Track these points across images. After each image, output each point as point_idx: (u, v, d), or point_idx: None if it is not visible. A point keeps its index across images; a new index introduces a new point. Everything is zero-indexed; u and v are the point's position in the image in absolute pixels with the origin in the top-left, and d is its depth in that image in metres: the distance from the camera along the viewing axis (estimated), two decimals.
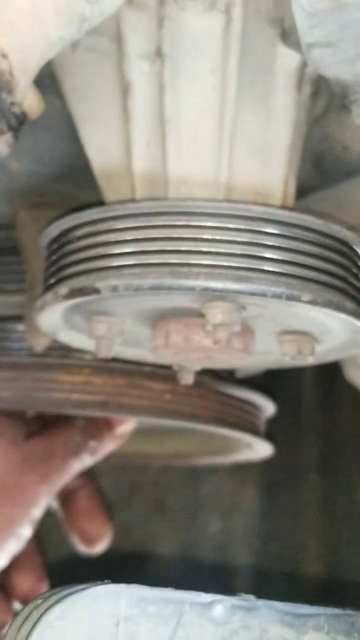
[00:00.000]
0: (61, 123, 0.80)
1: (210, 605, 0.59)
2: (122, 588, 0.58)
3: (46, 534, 1.26)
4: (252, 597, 0.61)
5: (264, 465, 1.21)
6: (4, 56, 0.61)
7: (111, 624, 0.58)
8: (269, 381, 1.07)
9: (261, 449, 1.08)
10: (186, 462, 1.20)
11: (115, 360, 0.89)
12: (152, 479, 1.34)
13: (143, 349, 0.83)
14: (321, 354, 0.80)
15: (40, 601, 0.58)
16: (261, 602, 0.60)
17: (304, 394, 1.31)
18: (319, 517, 1.29)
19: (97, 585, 0.59)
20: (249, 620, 0.59)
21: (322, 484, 1.29)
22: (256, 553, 1.31)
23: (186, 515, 1.35)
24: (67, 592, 0.58)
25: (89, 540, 1.10)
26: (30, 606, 0.58)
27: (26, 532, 1.01)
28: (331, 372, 1.20)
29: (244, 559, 1.31)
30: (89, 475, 1.08)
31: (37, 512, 1.01)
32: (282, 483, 1.31)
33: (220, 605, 0.59)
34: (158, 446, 1.18)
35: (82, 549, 1.11)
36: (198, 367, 0.83)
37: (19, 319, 0.92)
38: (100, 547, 1.11)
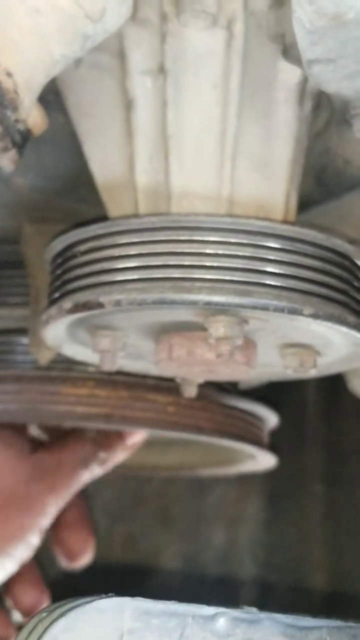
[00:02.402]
0: (64, 138, 0.80)
1: (213, 617, 0.60)
2: (125, 601, 0.59)
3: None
4: (254, 609, 0.61)
5: (268, 476, 1.22)
6: (9, 74, 0.61)
7: (115, 636, 0.58)
8: (272, 392, 1.08)
9: (264, 460, 1.08)
10: (190, 473, 1.20)
11: (118, 372, 0.90)
12: (156, 489, 1.34)
13: (146, 362, 0.83)
14: (323, 366, 0.80)
15: (44, 614, 0.59)
16: (263, 615, 0.60)
17: (308, 404, 1.31)
18: (323, 527, 1.29)
19: (101, 598, 0.59)
20: (252, 632, 0.59)
21: (326, 494, 1.29)
22: (260, 563, 1.31)
23: (190, 525, 1.35)
24: (71, 605, 0.58)
25: (71, 555, 1.10)
26: (35, 619, 0.59)
27: (35, 539, 1.02)
28: (334, 383, 1.20)
29: (248, 570, 1.31)
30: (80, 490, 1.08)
31: (46, 521, 1.01)
32: (286, 493, 1.31)
33: (223, 617, 0.60)
34: (162, 457, 1.19)
35: (64, 563, 1.12)
36: (201, 380, 0.83)
37: (23, 331, 0.93)
38: (81, 562, 1.12)
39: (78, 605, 0.58)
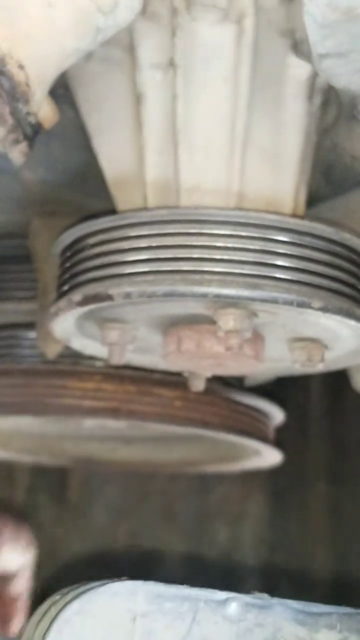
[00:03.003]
0: (73, 132, 0.81)
1: (225, 602, 0.60)
2: (139, 584, 0.59)
3: (55, 538, 1.27)
4: (265, 595, 0.62)
5: (272, 473, 1.22)
6: (21, 67, 0.61)
7: (128, 619, 0.58)
8: (277, 390, 1.08)
9: (270, 456, 1.09)
10: (194, 469, 1.20)
11: (126, 367, 0.90)
12: (159, 486, 1.35)
13: (154, 355, 0.84)
14: (330, 360, 0.81)
15: (57, 597, 0.59)
16: (275, 600, 0.61)
17: (312, 402, 1.31)
18: (327, 524, 1.29)
19: (114, 581, 0.59)
20: (263, 617, 0.60)
21: (330, 491, 1.29)
22: (264, 560, 1.31)
23: (193, 522, 1.35)
24: (84, 588, 0.58)
25: (5, 627, 1.11)
26: (48, 602, 0.59)
27: None
28: (338, 381, 1.20)
29: (252, 566, 1.31)
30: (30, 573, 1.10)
31: None
32: (290, 491, 1.31)
33: (235, 602, 0.60)
34: (166, 454, 1.19)
35: None
36: (209, 374, 0.83)
37: (30, 325, 0.93)
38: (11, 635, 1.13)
39: (91, 589, 0.58)
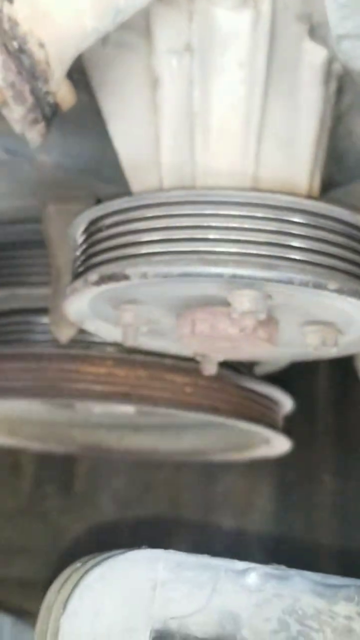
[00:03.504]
0: (88, 117, 0.81)
1: (244, 572, 0.60)
2: (159, 553, 0.60)
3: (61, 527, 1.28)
4: (283, 566, 0.62)
5: (278, 465, 1.22)
6: (41, 45, 0.62)
7: (148, 587, 0.59)
8: (284, 382, 1.08)
9: (279, 445, 1.09)
10: (203, 458, 1.21)
11: (137, 352, 0.90)
12: (165, 477, 1.35)
13: (167, 339, 0.84)
14: (343, 345, 0.81)
15: (78, 564, 0.59)
16: (293, 572, 0.61)
17: (319, 395, 1.32)
18: (332, 517, 1.29)
19: (135, 549, 0.60)
20: (282, 588, 0.60)
21: (336, 484, 1.29)
22: (269, 552, 1.31)
23: (199, 514, 1.35)
24: (105, 556, 0.59)
25: None
26: (69, 569, 0.59)
27: None
28: (346, 374, 1.21)
29: (257, 558, 1.31)
30: None
31: None
32: (296, 483, 1.31)
33: (254, 572, 0.60)
34: (175, 442, 1.19)
35: None
36: (222, 358, 0.84)
37: (43, 311, 0.93)
38: None
39: (112, 556, 0.59)
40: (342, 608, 0.59)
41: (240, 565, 0.61)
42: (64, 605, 0.58)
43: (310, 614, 0.60)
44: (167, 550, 0.61)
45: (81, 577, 0.58)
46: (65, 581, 0.59)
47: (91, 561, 0.59)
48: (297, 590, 0.60)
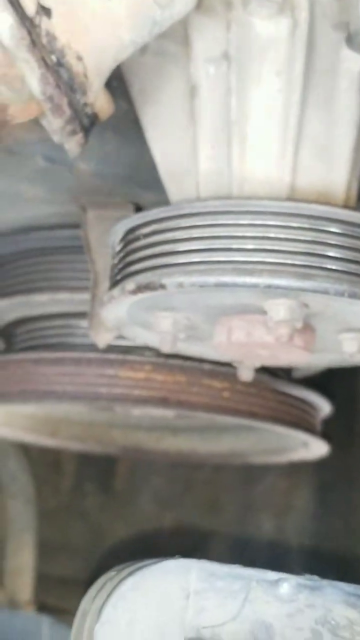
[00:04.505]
0: (127, 124, 0.82)
1: (277, 582, 0.61)
2: (192, 562, 0.60)
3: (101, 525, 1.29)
4: (316, 577, 0.62)
5: (317, 466, 1.22)
6: (79, 58, 0.63)
7: (181, 596, 0.59)
8: (324, 383, 1.08)
9: (317, 448, 1.09)
10: (241, 460, 1.21)
11: (175, 357, 0.91)
12: (205, 477, 1.36)
13: (205, 345, 0.84)
14: None
15: (113, 573, 0.60)
16: (325, 582, 0.61)
17: (358, 396, 1.31)
18: None
19: (167, 559, 0.60)
20: (314, 599, 0.60)
21: None
22: (308, 553, 1.31)
23: (239, 514, 1.36)
24: (139, 565, 0.60)
25: None
26: (103, 578, 0.60)
27: None
28: None
29: (296, 559, 1.32)
30: None
31: None
32: (335, 484, 1.31)
33: (286, 583, 0.61)
34: (214, 445, 1.20)
35: None
36: (258, 364, 0.84)
37: (83, 315, 0.94)
38: None
39: (145, 566, 0.59)
40: None
41: (272, 575, 0.62)
42: (99, 614, 0.59)
43: (342, 624, 0.60)
44: (199, 560, 0.61)
45: (115, 586, 0.59)
46: (100, 589, 0.60)
47: (125, 570, 0.60)
48: (330, 601, 0.61)
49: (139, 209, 0.91)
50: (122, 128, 0.83)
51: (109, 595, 0.59)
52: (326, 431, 1.11)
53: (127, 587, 0.59)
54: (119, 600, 0.59)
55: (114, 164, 0.89)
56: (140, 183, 0.90)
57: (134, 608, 0.59)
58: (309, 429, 1.03)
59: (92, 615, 0.60)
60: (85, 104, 0.65)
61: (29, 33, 0.58)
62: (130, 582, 0.59)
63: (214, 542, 1.34)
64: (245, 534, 1.34)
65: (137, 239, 0.75)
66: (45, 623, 1.06)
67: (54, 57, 0.61)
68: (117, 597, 0.59)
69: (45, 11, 0.60)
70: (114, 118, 0.71)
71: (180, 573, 0.60)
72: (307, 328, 0.76)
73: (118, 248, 0.78)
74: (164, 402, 0.94)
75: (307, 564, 1.30)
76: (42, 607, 1.26)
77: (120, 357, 0.94)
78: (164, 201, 0.79)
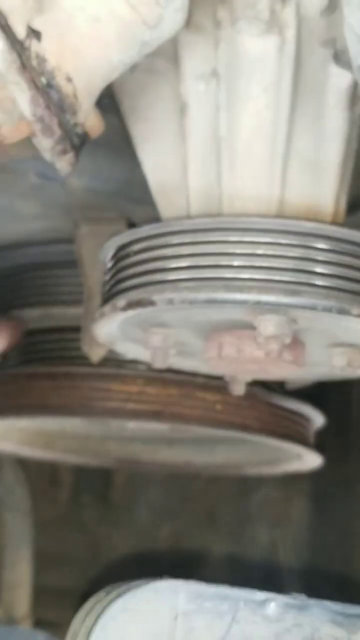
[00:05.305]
0: (119, 141, 0.82)
1: (264, 602, 0.61)
2: (180, 584, 0.61)
3: (98, 537, 1.29)
4: (303, 596, 0.63)
5: (313, 477, 1.22)
6: (69, 79, 0.63)
7: (170, 617, 0.60)
8: (318, 394, 1.09)
9: (310, 460, 1.09)
10: (236, 472, 1.22)
11: (168, 370, 0.92)
12: (201, 489, 1.36)
13: (196, 360, 0.85)
14: None
15: (102, 595, 0.61)
16: (313, 601, 0.62)
17: (353, 406, 1.32)
18: None
19: (156, 580, 0.61)
20: (301, 618, 0.61)
21: None
22: (304, 564, 1.32)
23: (235, 525, 1.36)
24: (128, 587, 0.60)
25: None
26: (93, 600, 0.61)
27: None
28: None
29: (292, 569, 1.32)
30: None
31: None
32: (331, 495, 1.31)
33: (273, 603, 0.61)
34: (208, 456, 1.20)
35: None
36: (249, 379, 0.84)
37: (76, 329, 0.95)
38: None
39: (134, 587, 0.60)
40: None
41: (259, 595, 0.62)
42: (88, 635, 0.59)
43: None
44: (187, 581, 0.62)
45: (105, 607, 0.60)
46: (90, 611, 0.61)
47: (114, 592, 0.61)
48: (317, 620, 0.61)
49: (131, 224, 0.92)
50: (114, 144, 0.83)
51: (98, 617, 0.59)
52: (321, 443, 1.12)
53: (116, 608, 0.60)
54: (109, 621, 0.60)
55: (106, 179, 0.89)
56: (133, 198, 0.90)
57: (123, 629, 0.60)
58: (302, 441, 1.03)
59: (82, 636, 0.60)
60: (76, 124, 0.65)
61: (19, 56, 0.59)
62: (119, 603, 0.60)
63: (211, 553, 1.35)
64: (241, 544, 1.34)
65: (128, 255, 0.76)
66: (40, 639, 1.06)
67: (44, 79, 0.62)
68: (106, 618, 0.59)
69: (35, 34, 0.61)
70: (106, 134, 0.71)
71: (169, 594, 0.61)
72: (297, 343, 0.77)
73: (109, 265, 0.79)
74: (157, 415, 0.94)
75: (302, 575, 1.30)
76: (39, 621, 1.26)
77: (113, 371, 0.94)
78: (157, 216, 0.79)
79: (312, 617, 0.61)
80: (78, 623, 0.61)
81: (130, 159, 0.81)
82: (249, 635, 0.60)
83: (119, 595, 0.60)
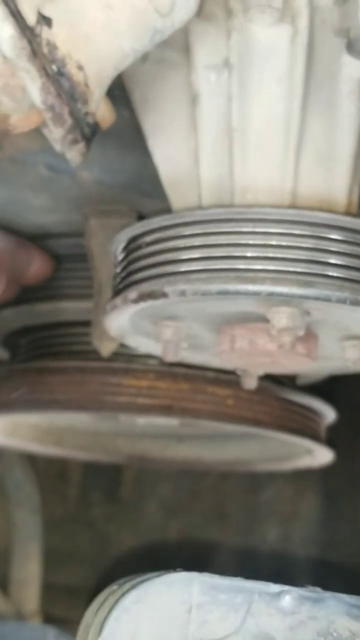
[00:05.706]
0: (129, 132, 0.82)
1: (279, 595, 0.61)
2: (194, 576, 0.60)
3: (107, 534, 1.29)
4: (319, 588, 0.62)
5: (324, 473, 1.22)
6: (80, 68, 0.63)
7: (183, 609, 0.59)
8: (329, 389, 1.08)
9: (321, 455, 1.09)
10: (246, 468, 1.21)
11: (179, 365, 0.91)
12: (211, 485, 1.35)
13: (207, 354, 0.84)
14: None
15: (115, 587, 0.60)
16: (328, 594, 0.61)
17: None
18: None
19: (169, 572, 0.60)
20: (316, 611, 0.60)
21: None
22: (315, 560, 1.31)
23: (245, 522, 1.36)
24: (142, 579, 0.60)
25: None
26: (106, 592, 0.60)
27: None
28: None
29: (302, 566, 1.31)
30: None
31: None
32: (342, 491, 1.31)
33: (288, 595, 0.61)
34: (219, 452, 1.20)
35: None
36: (261, 372, 0.84)
37: (86, 324, 0.94)
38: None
39: (148, 579, 0.59)
40: None
41: (274, 587, 0.62)
42: (101, 628, 0.59)
43: (345, 636, 0.60)
44: (201, 573, 0.61)
45: (118, 600, 0.59)
46: (102, 603, 0.60)
47: (128, 584, 0.60)
48: (332, 613, 0.61)
49: (141, 217, 0.91)
50: (125, 136, 0.83)
51: (111, 609, 0.59)
52: (332, 438, 1.11)
53: (129, 600, 0.59)
54: (122, 614, 0.59)
55: (116, 172, 0.89)
56: (143, 191, 0.90)
57: (136, 621, 0.59)
58: (313, 436, 1.02)
59: (95, 628, 0.60)
60: (87, 113, 0.65)
61: (30, 43, 0.58)
62: (132, 595, 0.59)
63: (221, 549, 1.34)
64: (251, 541, 1.34)
65: (139, 247, 0.75)
66: (50, 634, 1.05)
67: (54, 67, 0.61)
68: (119, 611, 0.59)
69: (46, 21, 0.60)
70: (117, 126, 0.71)
71: (183, 586, 0.60)
72: (310, 335, 0.76)
73: (120, 257, 0.78)
74: (167, 410, 0.94)
75: (313, 571, 1.29)
76: (48, 617, 1.26)
77: (123, 365, 0.94)
78: (167, 209, 0.79)
79: (328, 610, 0.61)
80: (91, 615, 0.61)
81: (140, 152, 0.81)
82: (264, 627, 0.60)
83: (132, 588, 0.59)
